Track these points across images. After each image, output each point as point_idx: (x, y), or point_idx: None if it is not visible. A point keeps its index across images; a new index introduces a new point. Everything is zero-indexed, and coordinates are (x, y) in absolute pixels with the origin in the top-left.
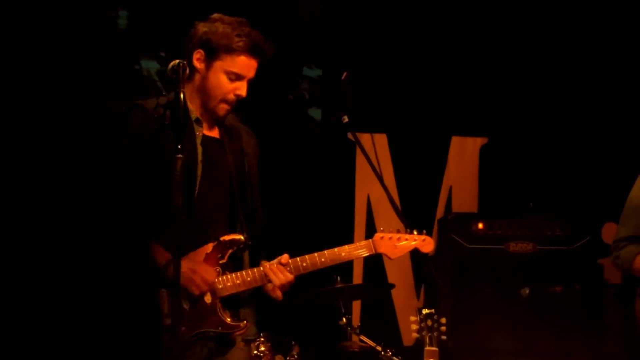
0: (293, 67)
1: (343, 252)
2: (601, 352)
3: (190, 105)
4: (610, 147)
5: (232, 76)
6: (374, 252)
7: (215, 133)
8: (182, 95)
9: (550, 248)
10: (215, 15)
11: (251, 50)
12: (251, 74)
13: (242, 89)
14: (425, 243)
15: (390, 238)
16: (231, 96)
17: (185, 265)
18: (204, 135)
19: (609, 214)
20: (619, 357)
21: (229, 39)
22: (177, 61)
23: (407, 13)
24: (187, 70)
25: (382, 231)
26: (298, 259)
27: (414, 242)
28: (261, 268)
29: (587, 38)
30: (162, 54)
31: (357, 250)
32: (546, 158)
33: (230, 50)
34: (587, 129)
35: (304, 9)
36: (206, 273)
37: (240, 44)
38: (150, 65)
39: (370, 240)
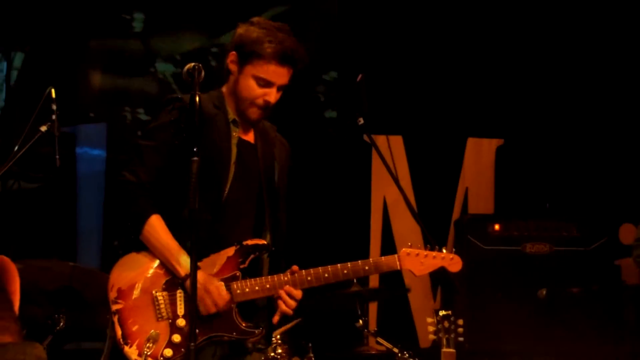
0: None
1: (367, 265)
2: (619, 353)
3: (227, 107)
4: (627, 149)
5: (261, 82)
6: (398, 267)
7: (250, 137)
8: (197, 99)
9: (567, 249)
10: (255, 19)
11: (281, 58)
12: (281, 80)
13: (270, 95)
14: (454, 262)
15: (417, 255)
16: (260, 101)
17: (202, 279)
18: (239, 138)
19: (625, 215)
20: (638, 359)
21: (260, 44)
22: (193, 64)
23: (422, 15)
24: (203, 74)
25: (410, 247)
26: (320, 269)
27: (441, 261)
28: (282, 277)
29: (602, 42)
30: (178, 57)
31: (382, 264)
32: (562, 159)
33: (260, 56)
34: (604, 130)
35: (319, 12)
36: (219, 296)
37: (269, 50)
38: (165, 68)
39: (396, 255)
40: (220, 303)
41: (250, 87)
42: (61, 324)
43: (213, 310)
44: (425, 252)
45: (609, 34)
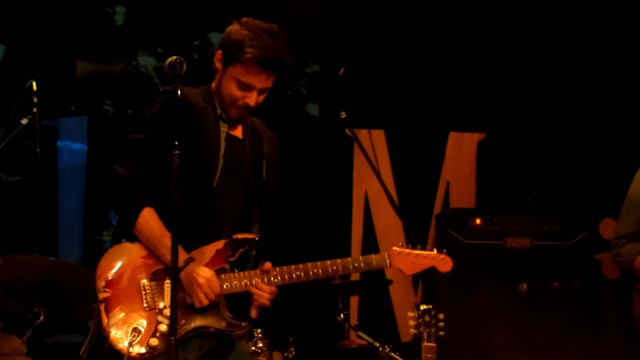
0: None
1: (356, 262)
2: (599, 348)
3: (215, 102)
4: (608, 143)
5: (240, 85)
6: (388, 266)
7: (238, 133)
8: (179, 92)
9: (547, 243)
10: (245, 19)
11: (261, 64)
12: (262, 85)
13: (250, 98)
14: (444, 262)
15: (408, 254)
16: (240, 103)
17: (195, 271)
18: (227, 133)
19: (606, 209)
20: (617, 353)
21: (241, 47)
22: (174, 57)
23: (404, 9)
24: (185, 67)
25: (401, 246)
26: (310, 264)
27: (432, 260)
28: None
29: (584, 35)
30: (160, 50)
31: (371, 262)
32: (543, 153)
33: (240, 61)
34: (584, 124)
35: (301, 6)
36: (210, 289)
37: (249, 56)
38: (147, 62)
39: (386, 253)
40: (211, 296)
41: (231, 89)
42: (41, 317)
43: (205, 302)
44: (416, 252)
45: (590, 27)
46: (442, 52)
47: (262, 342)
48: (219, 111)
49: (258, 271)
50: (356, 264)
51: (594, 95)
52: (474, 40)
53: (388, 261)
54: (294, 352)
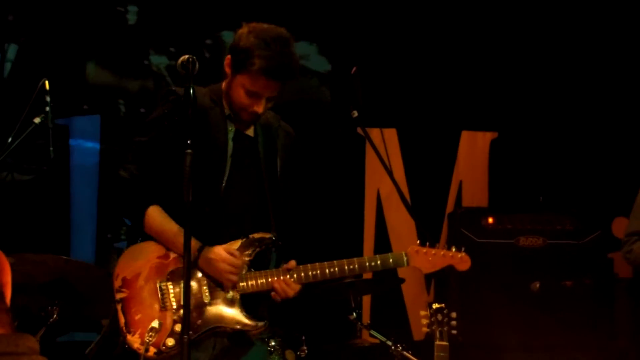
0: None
1: (373, 261)
2: (611, 347)
3: (224, 102)
4: (620, 142)
5: (249, 93)
6: (406, 264)
7: (250, 131)
8: (191, 91)
9: (560, 242)
10: (254, 24)
11: (269, 74)
12: (269, 93)
13: (259, 105)
14: (462, 261)
15: (426, 252)
16: (249, 109)
17: (210, 256)
18: (237, 131)
19: (619, 208)
20: (630, 351)
21: (249, 56)
22: (187, 56)
23: (417, 8)
24: (197, 66)
25: (418, 244)
26: (326, 264)
27: (450, 259)
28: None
29: (597, 34)
30: (172, 49)
31: (388, 260)
32: (556, 153)
33: (248, 69)
34: (597, 123)
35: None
36: (232, 263)
37: (257, 66)
38: (159, 61)
39: (403, 252)
40: (236, 270)
41: (239, 96)
42: (54, 315)
43: (234, 279)
44: (434, 250)
45: (603, 27)
46: (455, 51)
47: (275, 340)
48: (227, 111)
49: (280, 270)
50: (373, 263)
51: (607, 94)
52: (487, 39)
53: (406, 259)
54: (306, 351)
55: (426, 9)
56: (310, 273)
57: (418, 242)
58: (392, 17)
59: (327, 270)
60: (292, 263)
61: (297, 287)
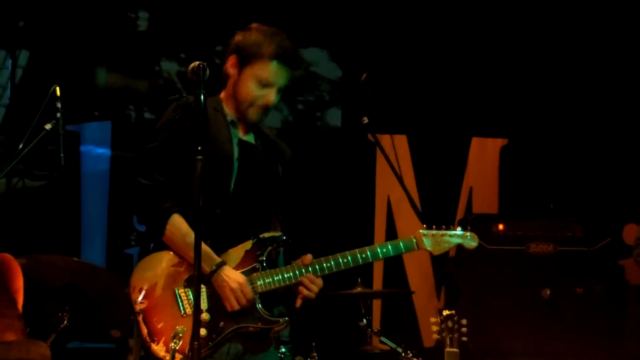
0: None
1: (385, 247)
2: (622, 354)
3: (226, 109)
4: (630, 149)
5: (261, 82)
6: (416, 248)
7: (249, 138)
8: (202, 97)
9: (571, 249)
10: (253, 25)
11: (280, 58)
12: (281, 81)
13: (270, 95)
14: (470, 239)
15: (434, 235)
16: (260, 102)
17: (228, 276)
18: (239, 138)
19: (629, 214)
20: None
21: (259, 45)
22: (197, 63)
23: (427, 14)
24: (208, 72)
25: (425, 227)
26: (338, 255)
27: (457, 239)
28: (301, 265)
29: (610, 42)
30: (182, 55)
31: (399, 245)
32: (567, 159)
33: (260, 56)
34: (608, 130)
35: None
36: (242, 294)
37: (270, 50)
38: (170, 67)
39: (412, 236)
40: (243, 301)
41: (250, 89)
42: (65, 322)
43: (237, 307)
44: (442, 232)
45: (614, 34)
46: (465, 58)
47: (286, 347)
48: (230, 118)
49: (294, 265)
50: (384, 249)
51: (619, 102)
52: (497, 47)
53: (415, 241)
54: (316, 357)
55: (436, 16)
56: (324, 265)
57: (424, 225)
58: (403, 23)
59: (340, 260)
60: (309, 257)
61: (320, 282)
